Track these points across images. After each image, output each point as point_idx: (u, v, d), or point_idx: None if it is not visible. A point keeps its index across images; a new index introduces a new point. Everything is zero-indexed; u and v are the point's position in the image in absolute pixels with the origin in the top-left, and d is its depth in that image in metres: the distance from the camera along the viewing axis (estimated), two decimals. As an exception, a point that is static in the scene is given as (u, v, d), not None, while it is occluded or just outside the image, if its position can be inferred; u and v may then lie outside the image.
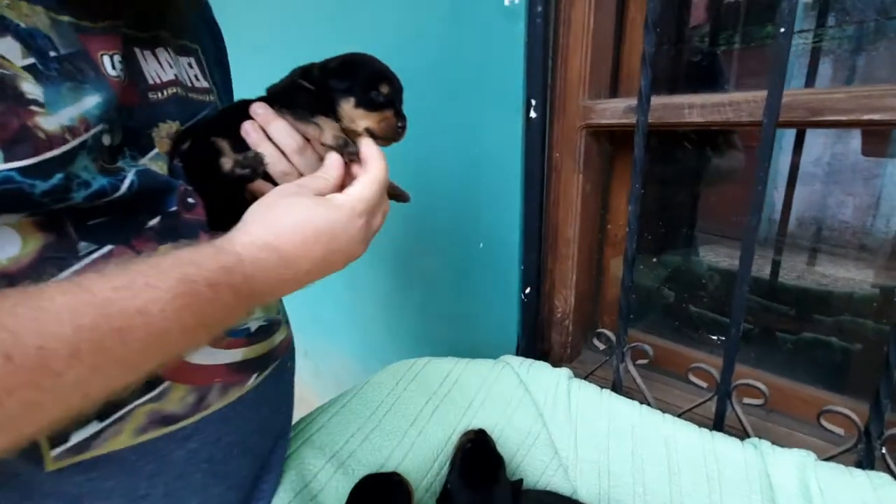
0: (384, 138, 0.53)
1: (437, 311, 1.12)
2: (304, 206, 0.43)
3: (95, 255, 0.40)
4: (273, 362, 0.58)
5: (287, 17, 1.20)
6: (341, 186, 0.50)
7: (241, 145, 0.50)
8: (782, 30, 0.58)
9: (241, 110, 0.51)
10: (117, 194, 0.40)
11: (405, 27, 0.95)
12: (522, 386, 0.79)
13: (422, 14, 0.92)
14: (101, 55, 0.41)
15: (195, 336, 0.36)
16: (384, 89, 0.53)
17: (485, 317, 1.02)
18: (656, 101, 0.73)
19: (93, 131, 0.38)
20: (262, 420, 0.57)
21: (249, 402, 0.53)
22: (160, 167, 0.46)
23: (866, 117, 0.59)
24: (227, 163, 0.49)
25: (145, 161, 0.45)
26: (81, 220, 0.39)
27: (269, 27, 1.26)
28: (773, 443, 0.65)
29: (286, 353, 0.62)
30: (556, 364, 0.99)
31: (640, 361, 0.78)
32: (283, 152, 0.50)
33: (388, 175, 0.50)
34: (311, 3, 1.13)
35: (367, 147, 0.51)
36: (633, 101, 0.78)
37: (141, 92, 0.45)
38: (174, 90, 0.49)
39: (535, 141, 0.85)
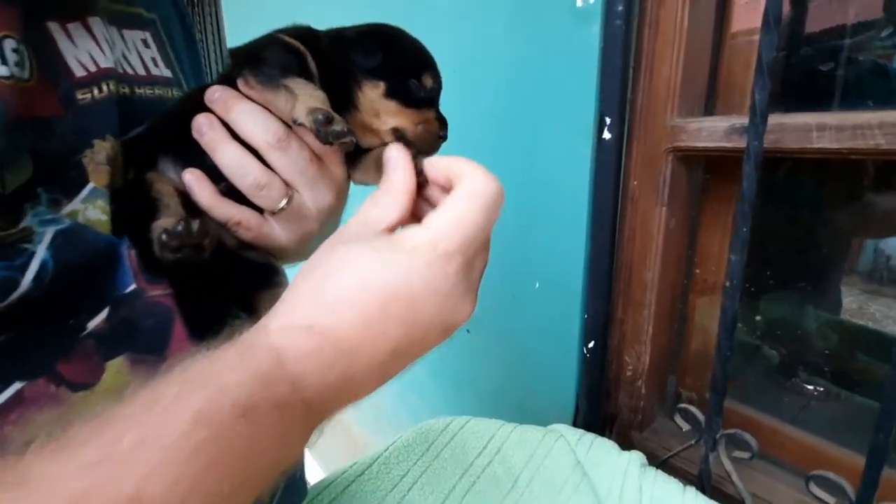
0: (409, 146, 0.38)
1: (482, 354, 0.99)
2: (358, 259, 0.28)
3: None
4: None
5: (337, 17, 1.14)
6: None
7: (195, 159, 0.34)
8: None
9: (200, 100, 0.35)
10: (16, 294, 0.25)
11: (458, 31, 0.85)
12: (580, 468, 0.64)
13: (478, 16, 0.81)
14: None
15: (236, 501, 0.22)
16: (428, 81, 0.38)
17: (537, 368, 0.87)
18: (773, 120, 0.57)
19: None
20: None
21: None
22: (101, 211, 0.30)
23: None
24: (155, 233, 0.31)
25: (75, 207, 0.29)
26: None
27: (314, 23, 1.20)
28: None
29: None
30: (622, 433, 0.83)
31: (738, 454, 0.61)
32: (255, 152, 0.34)
33: (498, 193, 0.31)
34: (362, 2, 1.06)
35: (449, 159, 0.33)
36: (740, 121, 0.62)
37: (64, 94, 0.29)
38: (112, 85, 0.32)
39: (609, 166, 0.71)
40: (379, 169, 0.39)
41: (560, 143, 0.74)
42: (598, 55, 0.68)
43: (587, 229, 0.75)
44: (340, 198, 0.39)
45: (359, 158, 0.40)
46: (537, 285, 0.83)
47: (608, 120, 0.69)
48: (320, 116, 0.32)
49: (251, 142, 0.34)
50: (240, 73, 0.35)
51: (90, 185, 0.30)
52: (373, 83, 0.37)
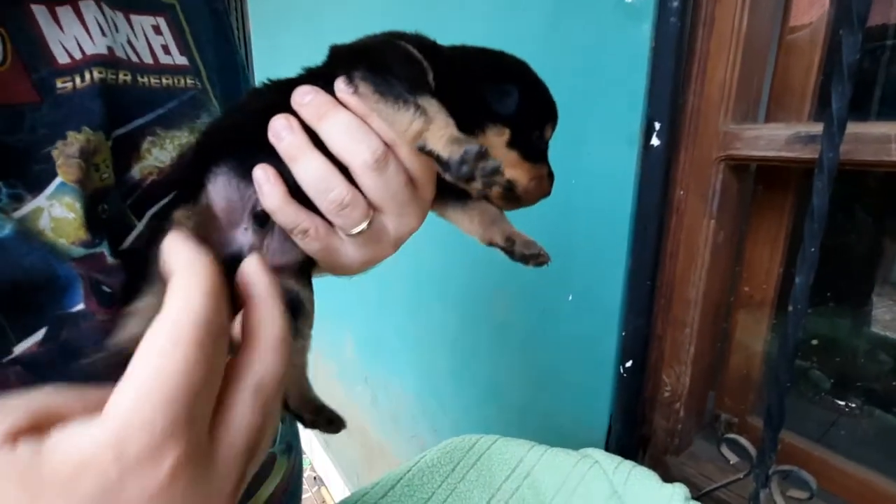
0: (513, 201, 0.35)
1: (508, 366, 0.95)
2: None
3: None
4: None
5: (369, 12, 1.10)
6: None
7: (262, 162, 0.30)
8: None
9: (274, 101, 0.31)
10: None
11: (495, 27, 0.80)
12: (616, 498, 0.60)
13: (516, 11, 0.77)
14: None
15: None
16: (548, 133, 0.38)
17: (568, 385, 0.83)
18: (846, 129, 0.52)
19: None
20: None
21: None
22: (68, 209, 0.27)
23: None
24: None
25: (40, 203, 0.26)
26: None
27: (345, 23, 1.17)
28: None
29: (285, 495, 0.46)
30: (656, 456, 0.78)
31: (794, 493, 0.56)
32: (343, 169, 0.30)
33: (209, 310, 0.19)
34: None
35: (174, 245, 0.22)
36: (805, 129, 0.57)
37: (40, 81, 0.27)
38: (98, 73, 0.29)
39: (656, 174, 0.66)
40: (483, 221, 0.38)
41: (603, 148, 0.70)
42: (649, 55, 0.63)
43: (628, 241, 0.70)
44: (422, 222, 0.35)
45: (459, 198, 0.38)
46: (570, 298, 0.79)
47: (658, 125, 0.64)
48: (472, 150, 0.26)
49: (344, 158, 0.29)
50: (348, 73, 0.30)
51: (58, 180, 0.27)
52: (498, 129, 0.34)
